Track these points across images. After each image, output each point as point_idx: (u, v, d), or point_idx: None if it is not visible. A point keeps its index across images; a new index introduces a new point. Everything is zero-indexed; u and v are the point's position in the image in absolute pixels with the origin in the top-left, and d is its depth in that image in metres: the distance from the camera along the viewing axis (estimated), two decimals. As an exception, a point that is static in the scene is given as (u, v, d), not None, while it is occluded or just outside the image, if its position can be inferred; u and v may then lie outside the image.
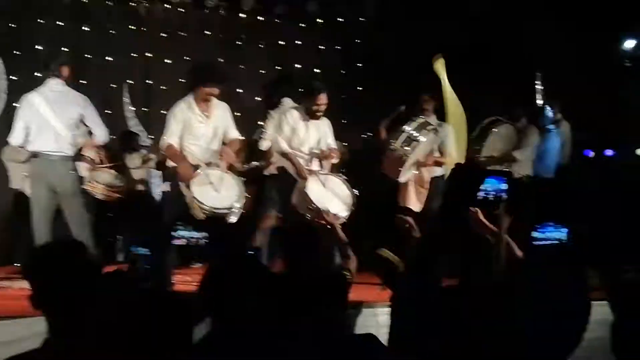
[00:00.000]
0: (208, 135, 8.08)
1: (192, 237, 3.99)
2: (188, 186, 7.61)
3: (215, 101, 8.08)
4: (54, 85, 7.84)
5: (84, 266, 3.09)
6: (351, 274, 5.35)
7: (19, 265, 10.42)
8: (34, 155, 7.82)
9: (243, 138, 8.58)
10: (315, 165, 8.62)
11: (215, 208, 7.55)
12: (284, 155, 8.57)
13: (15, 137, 7.87)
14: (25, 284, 3.16)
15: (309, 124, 8.59)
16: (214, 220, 6.33)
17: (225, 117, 8.22)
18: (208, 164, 7.94)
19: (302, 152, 8.57)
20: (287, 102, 8.91)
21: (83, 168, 9.11)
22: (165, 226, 7.50)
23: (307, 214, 7.95)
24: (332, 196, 8.09)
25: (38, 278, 3.05)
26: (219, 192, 7.69)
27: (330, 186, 8.19)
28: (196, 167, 7.84)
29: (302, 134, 8.57)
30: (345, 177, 8.50)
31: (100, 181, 9.52)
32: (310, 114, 8.53)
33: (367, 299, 6.91)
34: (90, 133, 8.08)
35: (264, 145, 8.89)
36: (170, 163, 8.15)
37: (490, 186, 3.65)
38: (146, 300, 2.78)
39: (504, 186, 3.66)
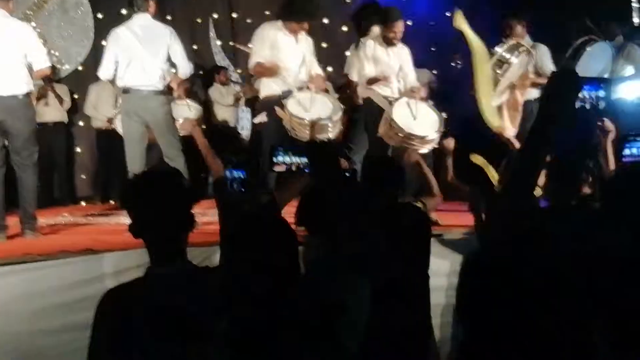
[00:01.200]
0: (297, 57, 8.19)
1: (292, 162, 3.95)
2: (283, 108, 7.66)
3: (303, 33, 8.22)
4: (142, 20, 7.79)
5: (180, 192, 3.04)
6: (425, 208, 5.26)
7: (113, 202, 10.62)
8: (125, 90, 7.81)
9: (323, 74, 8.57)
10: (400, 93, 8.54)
11: (314, 119, 7.61)
12: (366, 88, 8.53)
13: (105, 71, 7.87)
14: (120, 219, 3.16)
15: (389, 52, 8.54)
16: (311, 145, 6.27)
17: (310, 51, 8.37)
18: (299, 89, 8.03)
19: (386, 82, 8.46)
20: (375, 30, 8.75)
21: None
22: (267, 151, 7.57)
23: (395, 142, 7.86)
24: (419, 121, 7.95)
25: (136, 206, 3.02)
26: (314, 108, 7.75)
27: (416, 112, 8.05)
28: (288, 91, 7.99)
29: (383, 63, 8.50)
30: (432, 103, 8.43)
31: (177, 116, 9.56)
32: (387, 42, 8.50)
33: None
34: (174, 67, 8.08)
35: (352, 74, 8.82)
36: (262, 93, 8.26)
37: (588, 93, 3.51)
38: (253, 222, 2.76)
39: (602, 93, 3.52)
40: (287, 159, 4.24)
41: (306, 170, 4.20)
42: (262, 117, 8.17)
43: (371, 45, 8.53)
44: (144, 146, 7.84)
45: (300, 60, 8.22)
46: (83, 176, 11.98)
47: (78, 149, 11.91)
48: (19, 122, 7.20)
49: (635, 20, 10.68)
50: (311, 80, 8.16)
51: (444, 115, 8.29)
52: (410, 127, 7.82)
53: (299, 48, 8.21)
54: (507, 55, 8.25)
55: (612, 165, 5.97)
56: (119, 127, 8.75)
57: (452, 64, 12.17)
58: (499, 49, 8.31)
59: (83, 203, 11.36)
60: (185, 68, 8.01)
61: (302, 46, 8.27)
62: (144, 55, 7.66)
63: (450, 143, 6.48)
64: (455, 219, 7.07)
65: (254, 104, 9.91)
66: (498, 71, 8.22)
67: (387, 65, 8.50)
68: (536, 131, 3.12)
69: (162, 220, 2.97)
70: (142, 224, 2.99)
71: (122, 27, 7.84)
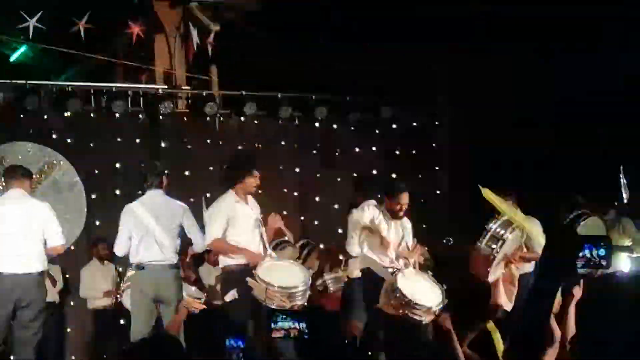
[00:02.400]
0: (252, 223, 8.08)
1: (292, 328, 3.87)
2: (254, 277, 7.52)
3: (251, 198, 8.20)
4: (155, 196, 7.95)
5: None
6: None
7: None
8: (139, 266, 7.86)
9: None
10: (401, 264, 8.42)
11: (283, 287, 7.47)
12: (366, 258, 8.44)
13: (120, 247, 7.98)
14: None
15: (391, 223, 8.49)
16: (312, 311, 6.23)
17: (258, 212, 8.26)
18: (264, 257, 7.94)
19: (387, 253, 8.40)
20: (371, 202, 8.77)
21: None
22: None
23: (397, 311, 7.75)
24: (422, 290, 7.88)
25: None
26: (285, 276, 7.64)
27: (418, 282, 7.99)
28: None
29: (384, 233, 8.44)
30: (432, 274, 8.41)
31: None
32: (393, 214, 8.46)
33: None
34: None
35: (352, 250, 8.65)
36: (222, 264, 8.15)
37: (590, 252, 3.51)
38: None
39: (603, 252, 3.51)
40: (286, 325, 4.19)
41: (306, 336, 4.15)
42: (233, 294, 7.87)
43: (372, 212, 8.48)
44: (152, 323, 7.85)
45: (253, 225, 8.09)
46: (73, 358, 11.77)
47: (69, 330, 11.74)
48: (31, 300, 7.33)
49: (624, 195, 10.77)
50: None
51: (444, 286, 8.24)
52: (416, 296, 7.76)
53: (252, 213, 8.14)
54: (501, 231, 8.28)
55: (571, 329, 5.72)
56: (126, 302, 8.69)
57: (444, 241, 12.23)
58: (492, 225, 8.35)
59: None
60: (199, 243, 8.10)
61: (254, 210, 8.20)
62: (158, 231, 7.77)
63: (447, 321, 6.41)
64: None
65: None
66: (493, 246, 8.24)
67: (387, 237, 8.44)
68: (537, 292, 3.10)
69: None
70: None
71: (136, 203, 8.00)
